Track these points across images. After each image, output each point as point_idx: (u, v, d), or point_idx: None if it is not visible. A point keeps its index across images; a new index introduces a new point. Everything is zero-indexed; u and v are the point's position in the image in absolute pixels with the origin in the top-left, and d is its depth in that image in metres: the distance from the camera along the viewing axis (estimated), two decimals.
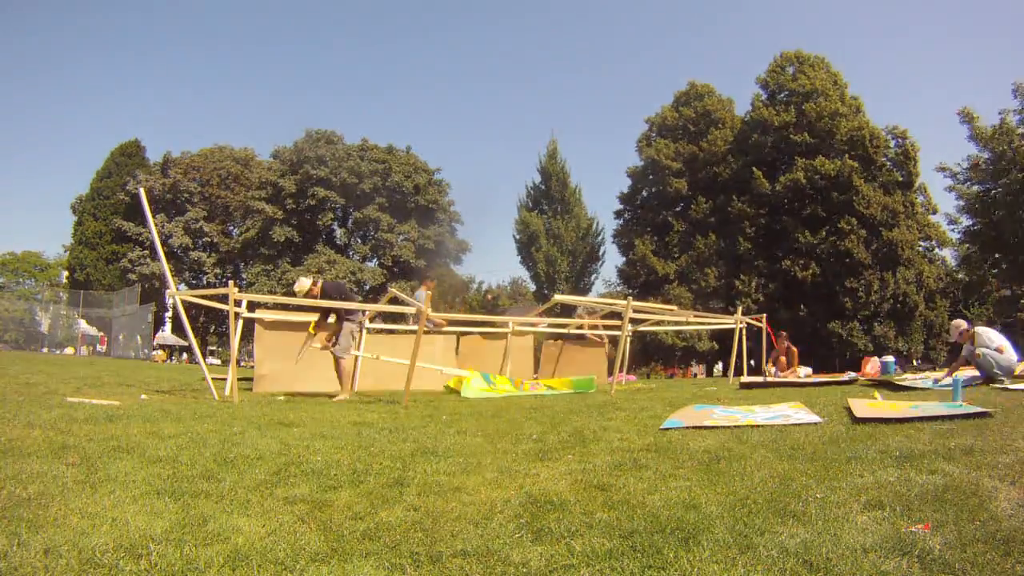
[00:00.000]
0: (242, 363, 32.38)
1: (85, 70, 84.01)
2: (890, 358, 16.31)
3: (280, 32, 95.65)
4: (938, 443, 4.20)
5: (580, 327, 13.49)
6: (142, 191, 9.27)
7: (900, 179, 32.63)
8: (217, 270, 47.19)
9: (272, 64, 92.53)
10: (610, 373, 13.88)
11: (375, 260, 47.04)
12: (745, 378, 12.05)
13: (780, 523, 2.73)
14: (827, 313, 31.04)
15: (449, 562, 2.35)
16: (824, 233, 31.31)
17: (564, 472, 3.81)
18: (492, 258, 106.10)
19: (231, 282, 8.23)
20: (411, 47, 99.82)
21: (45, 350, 38.28)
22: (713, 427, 5.30)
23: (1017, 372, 8.48)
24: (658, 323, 16.16)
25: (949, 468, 3.54)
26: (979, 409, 5.43)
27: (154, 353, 35.08)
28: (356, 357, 9.27)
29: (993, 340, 8.62)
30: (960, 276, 33.23)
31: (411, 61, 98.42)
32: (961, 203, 27.43)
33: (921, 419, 5.25)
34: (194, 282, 47.59)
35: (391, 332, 12.90)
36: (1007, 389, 7.48)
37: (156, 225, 9.29)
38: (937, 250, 34.95)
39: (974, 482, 3.23)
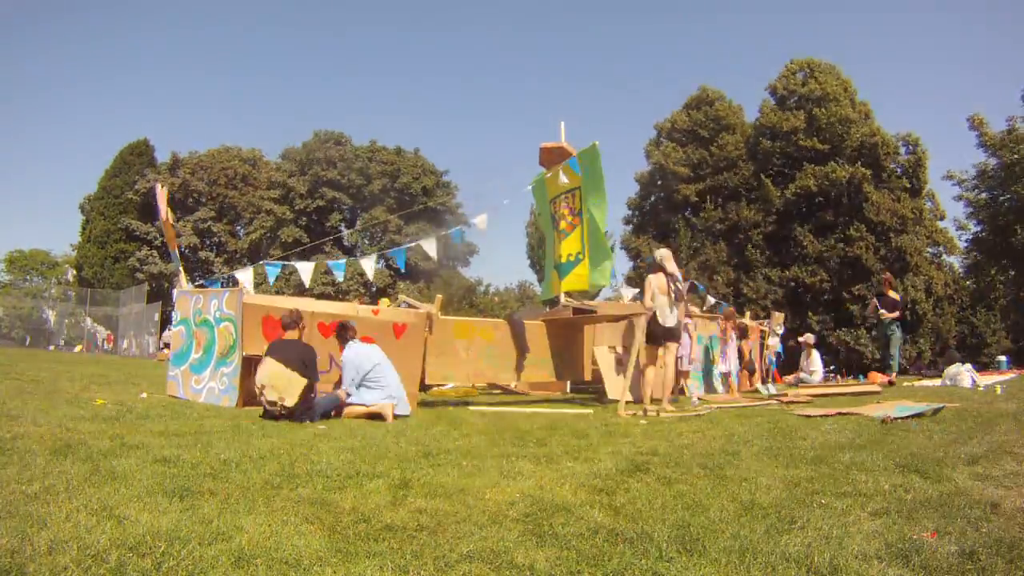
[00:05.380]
0: None
1: (94, 70, 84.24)
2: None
3: (287, 34, 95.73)
4: (944, 450, 4.19)
5: None
6: (159, 187, 9.27)
7: (908, 185, 32.52)
8: (225, 270, 47.30)
9: (277, 66, 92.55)
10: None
11: (382, 262, 47.12)
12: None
13: (785, 529, 2.72)
14: (835, 321, 30.94)
15: (454, 564, 2.35)
16: (833, 240, 31.20)
17: (569, 476, 3.81)
18: (500, 261, 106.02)
19: (240, 282, 8.25)
20: (418, 50, 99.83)
21: (52, 348, 38.40)
22: None
23: None
24: None
25: (955, 475, 3.52)
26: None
27: (161, 351, 35.10)
28: None
29: None
30: (968, 283, 33.07)
31: (418, 63, 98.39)
32: (969, 210, 27.27)
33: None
34: (202, 282, 47.52)
35: None
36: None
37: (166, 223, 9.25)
38: (945, 257, 34.82)
39: (980, 489, 3.21)
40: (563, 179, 9.19)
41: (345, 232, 47.67)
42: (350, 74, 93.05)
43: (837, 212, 31.76)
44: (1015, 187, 24.00)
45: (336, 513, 2.95)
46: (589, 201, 9.05)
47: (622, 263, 38.50)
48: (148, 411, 6.08)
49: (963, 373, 10.26)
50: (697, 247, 34.59)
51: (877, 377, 13.62)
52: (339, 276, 9.76)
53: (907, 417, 5.73)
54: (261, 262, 9.89)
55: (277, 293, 38.35)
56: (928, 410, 6.07)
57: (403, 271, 45.14)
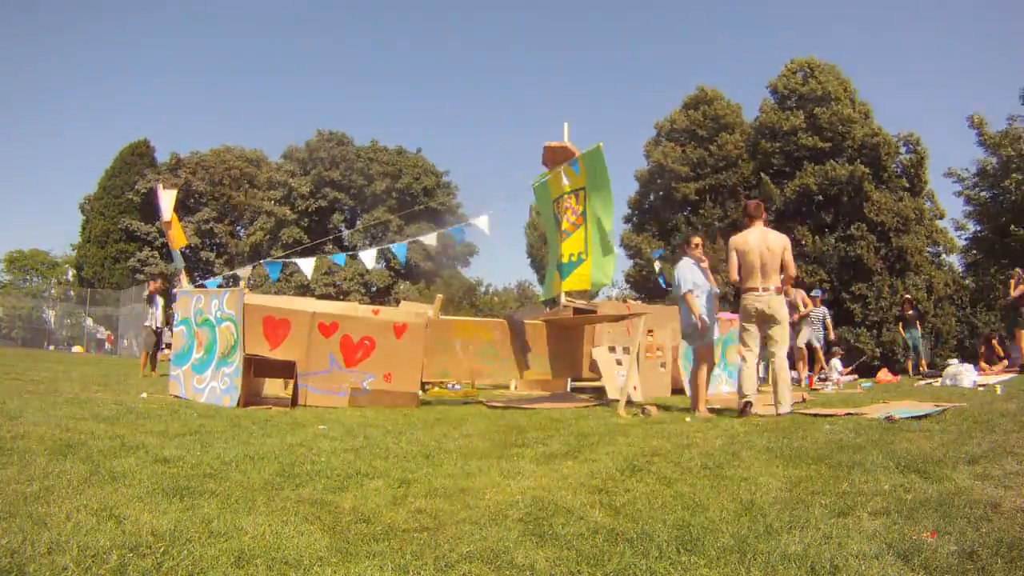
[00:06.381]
0: None
1: (94, 70, 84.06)
2: None
3: (288, 34, 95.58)
4: (944, 450, 4.18)
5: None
6: (160, 186, 9.28)
7: (907, 185, 32.50)
8: (226, 270, 47.27)
9: (278, 66, 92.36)
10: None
11: (383, 262, 47.08)
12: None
13: (785, 529, 2.72)
14: (836, 319, 30.86)
15: (454, 564, 2.36)
16: (834, 240, 31.17)
17: (569, 476, 3.81)
18: (500, 261, 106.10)
19: (242, 282, 8.26)
20: (419, 50, 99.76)
21: (51, 348, 38.42)
22: None
23: None
24: None
25: (955, 475, 3.52)
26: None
27: (161, 351, 34.98)
28: None
29: None
30: (967, 282, 33.05)
31: (418, 63, 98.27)
32: (968, 208, 27.26)
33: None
34: (203, 283, 47.47)
35: None
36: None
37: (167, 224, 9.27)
38: (944, 256, 34.78)
39: (980, 489, 3.21)
40: (565, 180, 9.19)
41: (345, 232, 47.67)
42: (351, 75, 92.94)
43: (837, 212, 31.73)
44: (1014, 176, 23.97)
45: (336, 513, 2.95)
46: (594, 202, 9.04)
47: (623, 261, 38.47)
48: (148, 411, 6.09)
49: (963, 373, 10.24)
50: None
51: (888, 376, 13.65)
52: (340, 263, 9.77)
53: (910, 418, 5.73)
54: (261, 261, 9.90)
55: (277, 293, 38.41)
56: (935, 412, 6.06)
57: (403, 268, 45.18)
